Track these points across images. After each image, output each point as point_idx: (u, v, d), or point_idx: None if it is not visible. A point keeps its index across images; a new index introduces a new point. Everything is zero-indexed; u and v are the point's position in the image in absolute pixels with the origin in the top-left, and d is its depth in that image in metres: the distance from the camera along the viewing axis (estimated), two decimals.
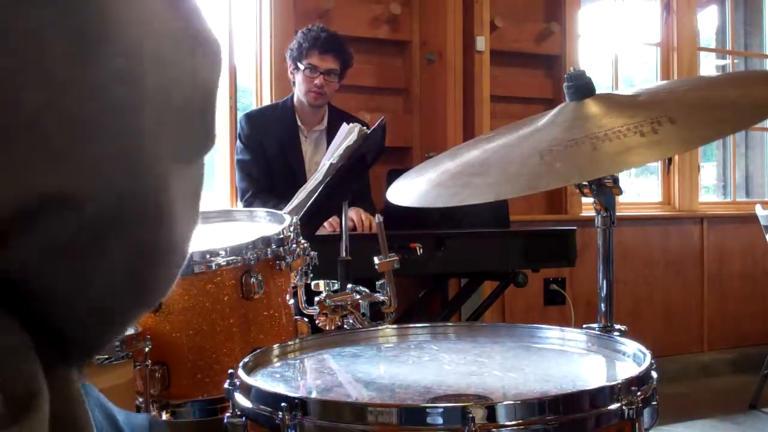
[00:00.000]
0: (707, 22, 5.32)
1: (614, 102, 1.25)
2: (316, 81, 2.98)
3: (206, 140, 0.48)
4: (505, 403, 0.81)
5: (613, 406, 0.85)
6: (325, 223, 2.80)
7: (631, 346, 1.07)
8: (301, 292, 1.63)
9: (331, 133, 2.93)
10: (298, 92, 3.06)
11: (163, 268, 0.47)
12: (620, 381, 0.87)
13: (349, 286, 1.47)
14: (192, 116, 0.46)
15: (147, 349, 1.52)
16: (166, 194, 0.44)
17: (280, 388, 0.97)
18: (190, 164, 0.47)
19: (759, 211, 3.80)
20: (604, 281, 1.26)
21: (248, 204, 2.98)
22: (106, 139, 0.41)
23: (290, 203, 2.61)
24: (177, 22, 0.45)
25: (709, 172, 5.44)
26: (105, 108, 0.40)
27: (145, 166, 0.43)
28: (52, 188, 0.39)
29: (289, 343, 1.20)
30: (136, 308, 0.49)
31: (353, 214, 2.85)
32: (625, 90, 1.38)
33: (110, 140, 0.41)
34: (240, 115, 3.28)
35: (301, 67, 2.99)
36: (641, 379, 0.90)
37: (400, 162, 3.76)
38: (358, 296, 1.44)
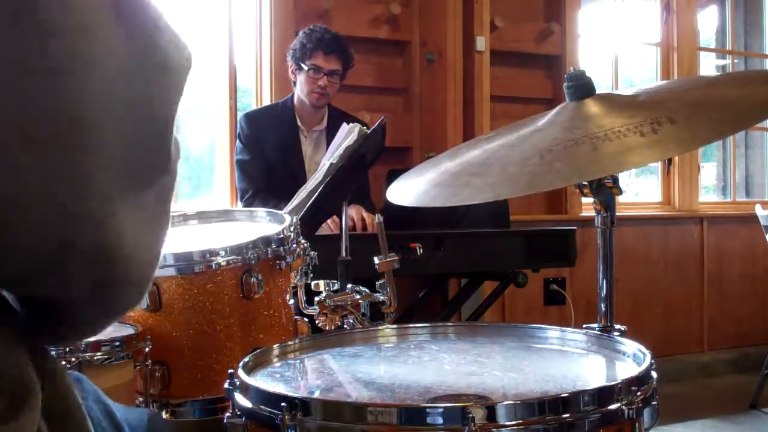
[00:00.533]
0: (707, 22, 5.32)
1: (614, 102, 1.25)
2: (320, 82, 2.98)
3: (163, 164, 0.48)
4: (505, 403, 0.81)
5: (613, 406, 0.85)
6: (330, 223, 2.79)
7: (631, 346, 1.07)
8: (301, 292, 1.63)
9: (331, 133, 2.93)
10: (300, 93, 3.06)
11: (122, 293, 0.48)
12: (620, 381, 0.87)
13: (349, 286, 1.47)
14: (144, 144, 0.46)
15: (147, 349, 1.52)
16: (113, 230, 0.44)
17: (280, 388, 0.97)
18: (144, 190, 0.47)
19: (759, 211, 3.80)
20: (604, 281, 1.26)
21: (248, 204, 2.98)
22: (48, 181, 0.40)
23: (290, 203, 2.61)
24: (133, 56, 0.45)
25: (709, 172, 5.44)
26: (49, 148, 0.40)
27: (86, 210, 0.43)
28: None
29: (289, 343, 1.20)
30: (106, 318, 0.50)
31: (353, 213, 2.85)
32: (625, 90, 1.38)
33: (52, 182, 0.41)
34: (240, 115, 3.28)
35: (305, 67, 2.99)
36: (641, 379, 0.89)
37: (400, 162, 3.76)
38: (358, 296, 1.44)
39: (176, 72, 0.47)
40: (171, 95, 0.47)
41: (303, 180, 2.82)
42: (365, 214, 2.86)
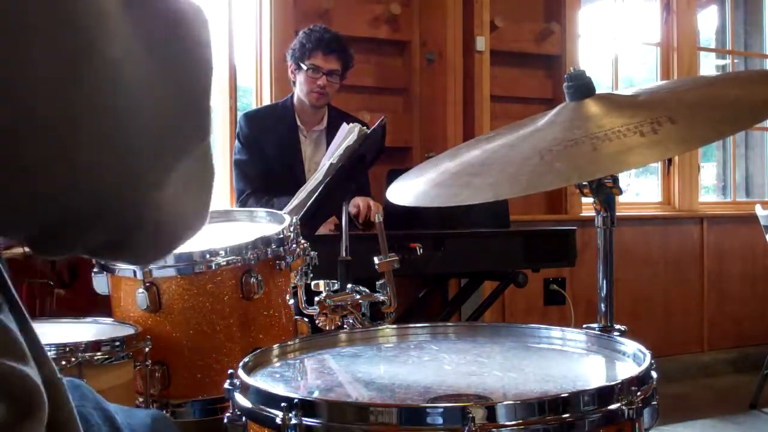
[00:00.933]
0: (707, 22, 5.32)
1: (614, 102, 1.25)
2: (319, 81, 2.98)
3: (204, 132, 0.50)
4: (505, 403, 0.81)
5: (613, 406, 0.85)
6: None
7: (631, 346, 1.07)
8: (301, 292, 1.63)
9: (330, 133, 2.93)
10: (300, 92, 3.06)
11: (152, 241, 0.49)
12: (620, 381, 0.87)
13: (349, 286, 1.47)
14: (182, 112, 0.47)
15: (147, 349, 1.52)
16: (153, 200, 0.47)
17: (280, 388, 0.97)
18: (188, 153, 0.49)
19: (759, 211, 3.80)
20: (604, 281, 1.26)
21: (243, 204, 2.97)
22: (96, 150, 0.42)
23: (290, 203, 2.60)
24: (159, 33, 0.47)
25: (709, 172, 5.44)
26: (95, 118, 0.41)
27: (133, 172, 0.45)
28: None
29: (289, 343, 1.20)
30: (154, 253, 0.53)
31: (360, 201, 2.84)
32: (625, 90, 1.38)
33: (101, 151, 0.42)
34: (240, 115, 3.28)
35: (304, 67, 2.98)
36: (641, 379, 0.89)
37: (400, 162, 3.76)
38: (358, 296, 1.44)
39: (206, 43, 0.50)
40: (204, 66, 0.49)
41: (303, 180, 2.82)
42: (372, 203, 2.85)
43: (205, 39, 0.48)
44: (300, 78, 3.02)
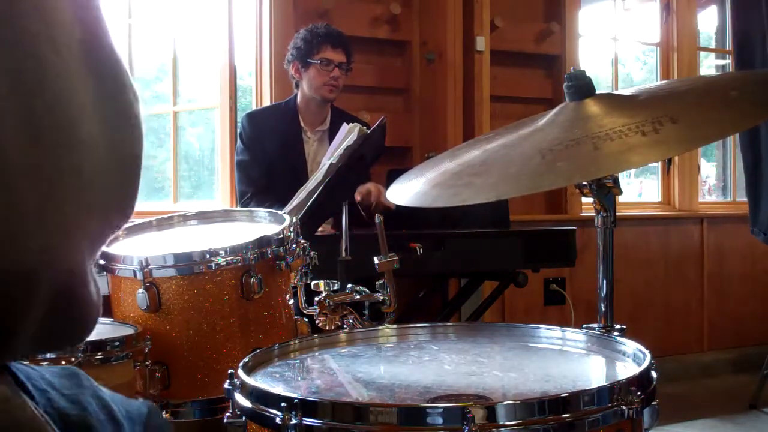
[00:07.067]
0: (707, 22, 5.32)
1: (614, 102, 1.25)
2: (333, 74, 2.98)
3: (122, 216, 0.49)
4: (505, 403, 0.81)
5: (613, 406, 0.85)
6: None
7: (631, 346, 1.07)
8: (301, 292, 1.63)
9: (334, 133, 2.92)
10: (309, 89, 3.04)
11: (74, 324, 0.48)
12: (620, 381, 0.87)
13: (349, 286, 1.47)
14: (113, 192, 0.47)
15: (147, 349, 1.52)
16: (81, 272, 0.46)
17: (280, 388, 0.97)
18: (107, 231, 0.48)
19: None
20: (604, 281, 1.26)
21: (245, 205, 2.97)
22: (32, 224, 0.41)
23: (290, 203, 2.60)
24: (108, 102, 0.46)
25: (708, 172, 5.43)
26: (42, 198, 0.41)
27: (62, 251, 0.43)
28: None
29: (289, 343, 1.20)
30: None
31: (371, 186, 2.85)
32: (625, 90, 1.38)
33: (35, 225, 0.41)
34: (240, 115, 3.28)
35: (314, 62, 2.98)
36: (641, 379, 0.89)
37: (400, 162, 3.76)
38: (358, 296, 1.44)
39: (139, 116, 0.49)
40: (138, 137, 0.49)
41: (305, 180, 2.81)
42: (383, 189, 2.85)
43: (138, 113, 0.49)
44: (310, 74, 3.01)
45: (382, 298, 1.41)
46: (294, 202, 2.59)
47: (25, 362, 0.51)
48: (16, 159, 0.39)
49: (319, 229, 2.72)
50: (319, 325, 1.47)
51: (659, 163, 4.64)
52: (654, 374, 0.94)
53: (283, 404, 0.84)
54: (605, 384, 0.89)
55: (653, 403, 0.91)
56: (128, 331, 1.52)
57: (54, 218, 0.41)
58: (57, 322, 0.45)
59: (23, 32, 0.40)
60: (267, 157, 3.03)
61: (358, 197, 2.83)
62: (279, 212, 1.79)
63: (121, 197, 0.48)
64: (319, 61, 2.97)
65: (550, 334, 1.21)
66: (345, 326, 1.43)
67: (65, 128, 0.42)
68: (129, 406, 0.60)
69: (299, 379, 1.09)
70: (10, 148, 0.39)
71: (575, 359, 1.14)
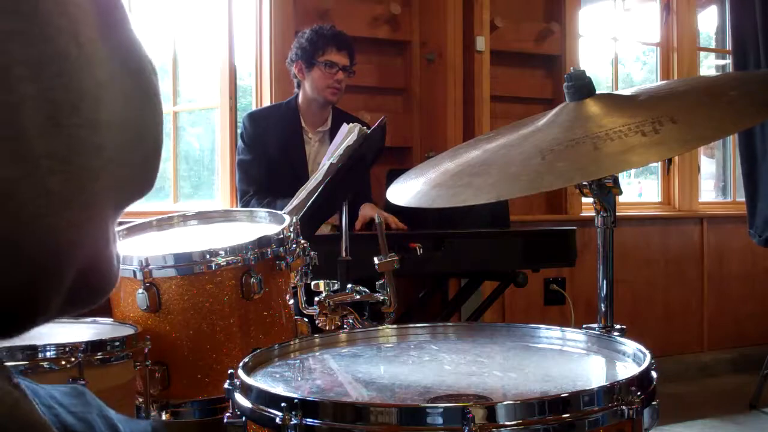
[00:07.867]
0: (707, 22, 5.32)
1: (614, 102, 1.25)
2: (337, 76, 2.98)
3: (145, 188, 0.49)
4: (505, 403, 0.81)
5: (613, 406, 0.85)
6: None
7: (631, 346, 1.07)
8: (301, 292, 1.63)
9: (334, 134, 2.92)
10: (312, 91, 3.04)
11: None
12: (620, 381, 0.87)
13: (349, 286, 1.47)
14: (135, 167, 0.47)
15: (147, 349, 1.52)
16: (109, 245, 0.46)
17: (280, 389, 0.97)
18: (120, 211, 0.49)
19: None
20: (604, 281, 1.26)
21: (245, 205, 2.97)
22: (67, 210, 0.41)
23: (290, 203, 2.60)
24: (128, 80, 0.46)
25: (708, 171, 5.43)
26: (67, 178, 0.41)
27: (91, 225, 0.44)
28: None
29: (289, 343, 1.19)
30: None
31: (369, 212, 2.86)
32: (625, 90, 1.38)
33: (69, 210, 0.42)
34: (240, 115, 3.28)
35: (318, 63, 2.98)
36: (641, 379, 0.89)
37: (400, 162, 3.76)
38: (358, 296, 1.44)
39: (158, 91, 0.49)
40: (158, 117, 0.49)
41: (306, 181, 2.81)
42: (389, 214, 2.86)
43: (157, 88, 0.49)
44: (313, 75, 3.01)
45: (382, 298, 1.41)
46: (294, 202, 2.58)
47: (31, 381, 0.52)
48: (38, 142, 0.39)
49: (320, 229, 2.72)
50: (319, 325, 1.47)
51: (659, 163, 4.64)
52: (654, 374, 0.93)
53: (283, 404, 0.84)
54: (605, 384, 0.89)
55: (653, 403, 0.91)
56: (128, 331, 1.52)
57: (79, 198, 0.42)
58: (80, 293, 0.46)
59: (42, 15, 0.40)
60: (268, 157, 3.03)
61: (358, 226, 2.85)
62: (279, 212, 1.79)
63: (143, 171, 0.48)
64: (323, 63, 2.97)
65: (550, 334, 1.21)
66: (345, 326, 1.43)
67: (87, 110, 0.42)
68: (134, 427, 0.60)
69: (299, 379, 1.09)
70: (33, 131, 0.39)
71: (575, 359, 1.14)
